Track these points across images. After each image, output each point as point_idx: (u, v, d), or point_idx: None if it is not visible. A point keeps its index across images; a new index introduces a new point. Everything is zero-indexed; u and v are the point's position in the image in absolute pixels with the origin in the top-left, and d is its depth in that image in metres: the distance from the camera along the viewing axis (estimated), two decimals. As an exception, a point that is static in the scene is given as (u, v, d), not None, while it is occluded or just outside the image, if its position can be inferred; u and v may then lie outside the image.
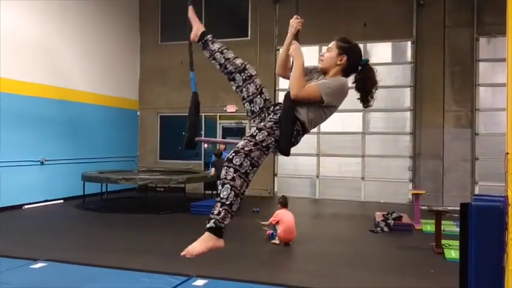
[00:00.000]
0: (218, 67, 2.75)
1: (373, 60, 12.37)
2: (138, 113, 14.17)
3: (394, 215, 8.17)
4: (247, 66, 2.70)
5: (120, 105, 13.23)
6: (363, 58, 2.83)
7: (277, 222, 6.76)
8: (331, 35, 11.48)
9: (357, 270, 5.59)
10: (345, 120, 12.14)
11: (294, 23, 2.68)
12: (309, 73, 2.75)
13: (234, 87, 2.73)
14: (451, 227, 7.69)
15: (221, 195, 2.37)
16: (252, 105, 2.67)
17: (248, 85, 2.67)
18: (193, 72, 2.97)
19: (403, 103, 12.15)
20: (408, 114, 12.01)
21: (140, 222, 8.72)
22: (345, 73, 2.75)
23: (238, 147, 2.41)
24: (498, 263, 2.84)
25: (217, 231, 2.39)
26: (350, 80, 2.83)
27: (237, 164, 2.36)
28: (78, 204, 10.41)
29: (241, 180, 2.37)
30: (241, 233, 7.50)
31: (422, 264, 5.80)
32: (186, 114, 2.99)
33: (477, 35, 11.33)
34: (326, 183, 12.50)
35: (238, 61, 2.71)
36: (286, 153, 2.56)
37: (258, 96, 2.67)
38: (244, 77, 2.67)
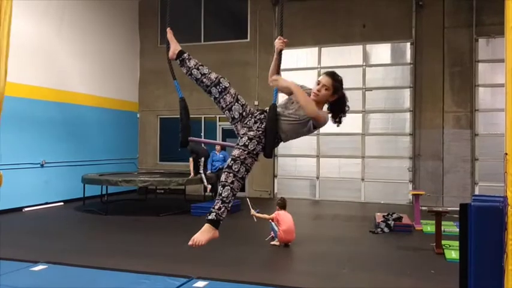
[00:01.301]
0: (195, 81, 3.09)
1: (372, 61, 12.58)
2: (138, 115, 14.19)
3: (394, 215, 8.18)
4: (221, 79, 3.04)
5: (119, 108, 13.25)
6: None
7: (277, 222, 6.76)
8: (330, 36, 11.62)
9: (358, 271, 5.60)
10: (344, 121, 12.12)
11: (277, 43, 3.03)
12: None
13: (212, 99, 3.10)
14: (451, 227, 7.70)
15: (223, 195, 2.84)
16: (231, 112, 3.04)
17: (225, 96, 3.02)
18: (176, 81, 3.31)
19: (402, 104, 12.17)
20: (408, 115, 12.02)
21: (140, 224, 8.73)
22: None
23: (235, 156, 2.86)
24: (498, 263, 2.85)
25: (216, 223, 2.86)
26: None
27: (236, 170, 2.84)
28: (78, 206, 10.42)
29: (238, 183, 2.87)
30: (241, 234, 7.51)
31: (423, 264, 5.81)
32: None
33: (476, 36, 11.35)
34: (326, 185, 12.50)
35: (213, 76, 3.05)
36: (270, 157, 3.05)
37: (236, 103, 3.04)
38: (219, 89, 3.02)
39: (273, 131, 2.93)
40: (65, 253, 6.10)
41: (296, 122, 2.97)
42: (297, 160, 12.60)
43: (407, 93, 12.05)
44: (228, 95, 3.01)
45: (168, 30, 3.28)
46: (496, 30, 10.54)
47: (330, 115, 3.12)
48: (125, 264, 5.38)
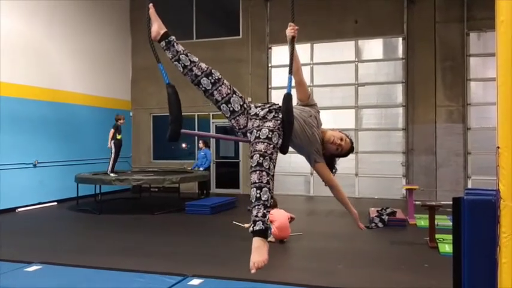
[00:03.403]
0: (181, 69, 2.70)
1: (364, 56, 12.58)
2: (131, 114, 14.13)
3: (388, 210, 8.22)
4: (213, 70, 2.71)
5: (112, 106, 13.18)
6: None
7: (270, 221, 6.76)
8: (322, 32, 11.60)
9: (353, 267, 5.62)
10: (337, 116, 12.18)
11: (287, 31, 2.78)
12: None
13: (201, 91, 2.71)
14: (444, 221, 7.75)
15: (263, 198, 2.42)
16: (229, 105, 2.68)
17: (220, 87, 2.67)
18: (161, 64, 2.79)
19: (395, 99, 12.21)
20: (400, 110, 12.07)
21: (135, 223, 8.70)
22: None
23: (261, 151, 2.47)
24: (491, 256, 2.87)
25: (265, 232, 2.44)
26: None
27: (267, 167, 2.44)
28: (72, 206, 10.37)
29: (272, 182, 2.48)
30: (235, 231, 7.51)
31: (417, 259, 5.84)
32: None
33: (467, 30, 11.40)
34: (320, 180, 12.41)
35: (203, 65, 2.71)
36: (286, 152, 2.70)
37: (234, 95, 2.69)
38: (212, 80, 2.67)
39: (291, 123, 2.61)
40: (59, 253, 6.08)
41: (309, 136, 2.81)
42: (291, 156, 12.56)
43: (399, 88, 12.10)
44: (223, 86, 2.67)
45: (151, 6, 2.83)
46: (487, 24, 10.59)
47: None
48: (120, 263, 5.37)
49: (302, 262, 5.97)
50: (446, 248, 6.02)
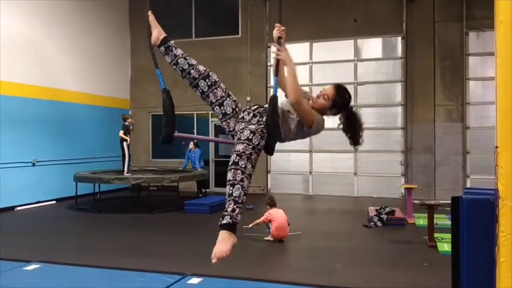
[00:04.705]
0: (180, 73, 2.83)
1: (363, 55, 12.56)
2: (130, 113, 14.10)
3: (387, 209, 8.22)
4: (210, 73, 2.82)
5: (111, 105, 13.17)
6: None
7: (270, 221, 6.75)
8: (322, 31, 11.59)
9: (351, 266, 5.63)
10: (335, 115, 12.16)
11: (274, 32, 2.75)
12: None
13: (198, 94, 2.85)
14: (443, 220, 7.75)
15: (234, 195, 2.52)
16: (222, 108, 2.82)
17: (215, 90, 2.80)
18: (158, 69, 2.94)
19: (394, 98, 12.21)
20: (399, 109, 12.07)
21: (134, 221, 8.70)
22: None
23: (239, 151, 2.57)
24: (489, 255, 2.87)
25: (232, 226, 2.55)
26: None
27: (243, 166, 2.54)
28: (71, 205, 10.36)
29: (248, 180, 2.57)
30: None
31: (416, 257, 5.85)
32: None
33: (466, 30, 11.40)
34: (319, 179, 12.53)
35: (201, 68, 2.82)
36: (272, 153, 2.81)
37: (227, 98, 2.82)
38: (209, 83, 2.80)
39: (276, 125, 2.66)
40: (57, 252, 6.07)
41: (297, 125, 2.84)
42: (290, 155, 12.61)
43: (398, 88, 12.10)
44: (218, 89, 2.79)
45: (150, 13, 2.94)
46: (486, 23, 10.59)
47: (324, 119, 2.97)
48: (120, 263, 5.36)
49: (301, 261, 5.97)
50: (445, 247, 6.03)
